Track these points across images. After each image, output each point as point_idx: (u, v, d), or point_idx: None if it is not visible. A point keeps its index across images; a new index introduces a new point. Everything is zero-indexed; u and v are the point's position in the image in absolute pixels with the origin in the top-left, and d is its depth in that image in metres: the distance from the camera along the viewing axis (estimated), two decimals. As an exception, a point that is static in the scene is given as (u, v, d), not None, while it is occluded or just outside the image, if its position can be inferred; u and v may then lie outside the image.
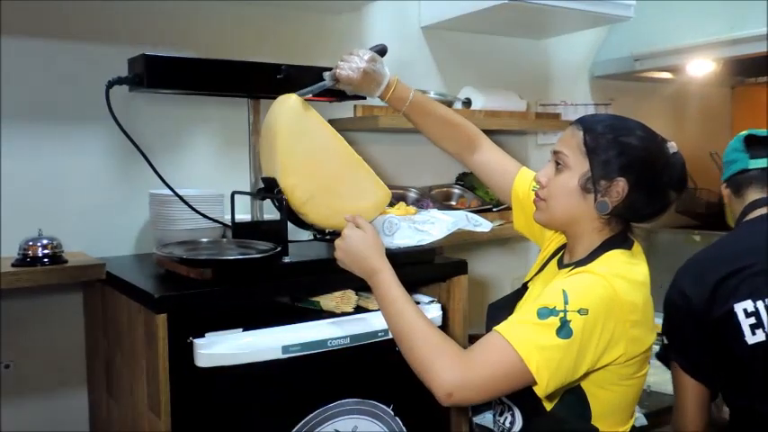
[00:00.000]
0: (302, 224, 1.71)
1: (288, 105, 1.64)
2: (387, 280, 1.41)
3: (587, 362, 1.25)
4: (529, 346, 1.23)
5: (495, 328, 1.28)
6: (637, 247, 1.42)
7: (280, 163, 1.62)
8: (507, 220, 2.49)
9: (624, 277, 1.29)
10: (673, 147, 1.38)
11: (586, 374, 1.28)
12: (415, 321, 1.34)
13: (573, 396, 1.32)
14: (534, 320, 1.25)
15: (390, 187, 1.81)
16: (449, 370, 1.24)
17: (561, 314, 1.23)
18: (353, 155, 1.72)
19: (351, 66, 1.61)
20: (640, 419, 2.32)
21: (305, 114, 1.66)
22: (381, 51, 1.71)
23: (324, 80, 1.66)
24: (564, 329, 1.22)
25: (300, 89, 1.70)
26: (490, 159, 1.73)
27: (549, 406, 1.33)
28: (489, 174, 1.74)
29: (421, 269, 1.81)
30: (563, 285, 1.28)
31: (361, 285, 1.70)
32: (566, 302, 1.24)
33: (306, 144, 1.64)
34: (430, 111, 1.70)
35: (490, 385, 1.25)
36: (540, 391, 1.24)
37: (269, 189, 1.68)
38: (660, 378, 2.60)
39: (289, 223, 1.67)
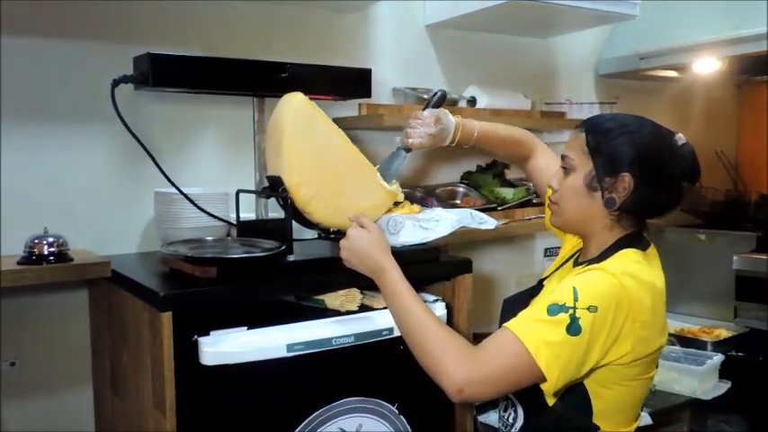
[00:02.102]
0: (307, 223, 1.71)
1: (294, 104, 1.64)
2: (394, 278, 1.42)
3: (594, 358, 1.26)
4: (538, 342, 1.23)
5: (505, 324, 1.29)
6: (652, 250, 1.42)
7: (285, 161, 1.62)
8: (512, 219, 2.49)
9: (635, 276, 1.29)
10: (681, 138, 1.39)
11: (590, 371, 1.28)
12: (424, 318, 1.34)
13: (575, 394, 1.32)
14: (544, 317, 1.25)
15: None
16: (458, 366, 1.25)
17: (571, 311, 1.24)
18: (359, 154, 1.72)
19: (419, 132, 1.71)
20: (646, 419, 2.31)
21: (311, 113, 1.66)
22: (442, 98, 1.78)
23: (397, 151, 1.77)
24: (573, 326, 1.23)
25: (304, 88, 1.70)
26: (537, 163, 1.80)
27: (551, 402, 1.33)
28: (536, 177, 1.82)
29: (425, 268, 1.81)
30: (573, 282, 1.29)
31: (365, 284, 1.70)
32: (575, 299, 1.25)
33: (311, 143, 1.65)
34: (494, 138, 1.79)
35: (500, 381, 1.26)
36: (549, 387, 1.25)
37: (274, 187, 1.68)
38: (665, 377, 2.60)
39: (293, 222, 1.68)
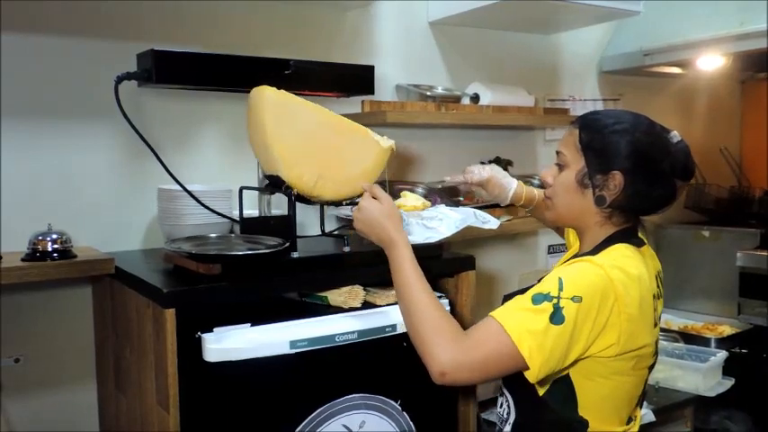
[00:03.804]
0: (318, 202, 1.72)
1: (266, 99, 1.63)
2: (401, 253, 1.43)
3: (579, 349, 1.26)
4: (521, 330, 1.24)
5: (491, 313, 1.29)
6: (648, 249, 1.42)
7: (278, 158, 1.62)
8: (515, 216, 2.49)
9: (623, 269, 1.29)
10: (675, 136, 1.38)
11: (576, 362, 1.29)
12: (422, 299, 1.35)
13: (561, 385, 1.32)
14: (528, 306, 1.26)
15: (398, 183, 1.81)
16: (445, 351, 1.26)
17: (555, 300, 1.25)
18: (343, 120, 1.71)
19: (477, 169, 1.84)
20: (648, 416, 2.31)
21: (285, 101, 1.64)
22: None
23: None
24: (557, 315, 1.23)
25: (307, 85, 1.70)
26: None
27: (541, 392, 1.34)
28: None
29: (429, 264, 1.80)
30: (560, 273, 1.30)
31: (369, 281, 1.70)
32: (560, 289, 1.26)
33: (296, 131, 1.64)
34: None
35: (483, 368, 1.27)
36: (531, 376, 1.25)
37: (276, 185, 1.68)
38: (669, 374, 2.60)
39: (297, 218, 1.68)
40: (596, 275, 1.27)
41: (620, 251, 1.34)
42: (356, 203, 1.55)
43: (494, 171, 1.84)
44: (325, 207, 1.77)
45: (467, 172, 1.85)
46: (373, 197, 1.53)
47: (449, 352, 1.26)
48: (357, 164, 1.70)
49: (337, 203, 1.74)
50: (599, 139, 1.35)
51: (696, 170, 1.42)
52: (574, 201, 1.40)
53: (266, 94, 1.63)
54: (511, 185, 1.82)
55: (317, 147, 1.66)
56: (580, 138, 1.37)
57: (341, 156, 1.68)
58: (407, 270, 1.40)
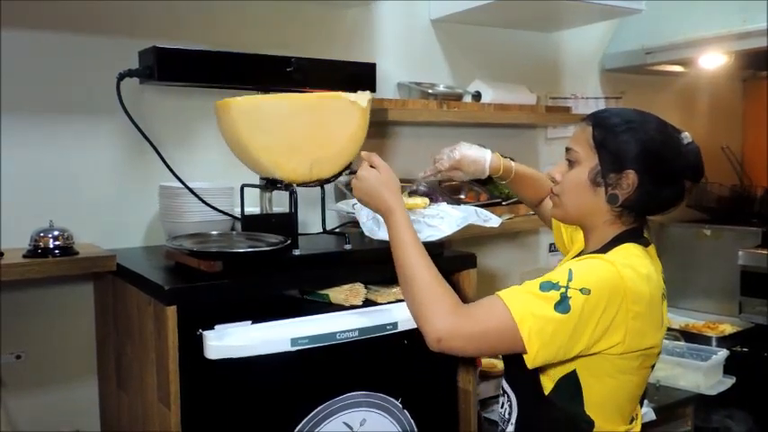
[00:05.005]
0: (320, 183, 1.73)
1: (233, 112, 1.62)
2: (399, 222, 1.43)
3: (582, 343, 1.25)
4: (524, 312, 1.24)
5: (497, 292, 1.29)
6: (653, 249, 1.42)
7: (266, 163, 1.63)
8: (516, 214, 2.49)
9: (633, 268, 1.29)
10: (687, 137, 1.39)
11: (580, 357, 1.28)
12: (420, 266, 1.36)
13: (567, 382, 1.32)
14: (535, 291, 1.26)
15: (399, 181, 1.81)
16: (443, 317, 1.27)
17: (562, 289, 1.24)
18: (313, 96, 1.70)
19: (445, 153, 1.79)
20: (649, 414, 2.31)
21: (252, 106, 1.64)
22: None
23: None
24: (562, 304, 1.23)
25: (309, 83, 1.69)
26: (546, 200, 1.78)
27: (548, 389, 1.33)
28: (544, 212, 1.82)
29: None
30: (570, 265, 1.30)
31: (370, 278, 1.70)
32: (569, 279, 1.25)
33: (273, 129, 1.63)
34: (526, 176, 1.85)
35: (479, 341, 1.27)
36: (528, 360, 1.25)
37: (276, 182, 1.68)
38: (670, 373, 2.60)
39: (298, 216, 1.68)
40: (608, 272, 1.27)
41: (630, 250, 1.34)
42: (355, 172, 1.54)
43: (462, 149, 1.78)
44: (326, 205, 1.78)
45: (436, 161, 1.81)
46: (371, 166, 1.52)
47: (447, 320, 1.27)
48: (342, 132, 1.69)
49: (337, 176, 1.75)
50: (612, 138, 1.35)
51: (699, 169, 1.42)
52: (584, 199, 1.39)
53: (232, 105, 1.62)
54: (485, 157, 1.78)
55: (299, 134, 1.65)
56: (593, 135, 1.37)
57: (325, 131, 1.67)
58: (403, 236, 1.40)
